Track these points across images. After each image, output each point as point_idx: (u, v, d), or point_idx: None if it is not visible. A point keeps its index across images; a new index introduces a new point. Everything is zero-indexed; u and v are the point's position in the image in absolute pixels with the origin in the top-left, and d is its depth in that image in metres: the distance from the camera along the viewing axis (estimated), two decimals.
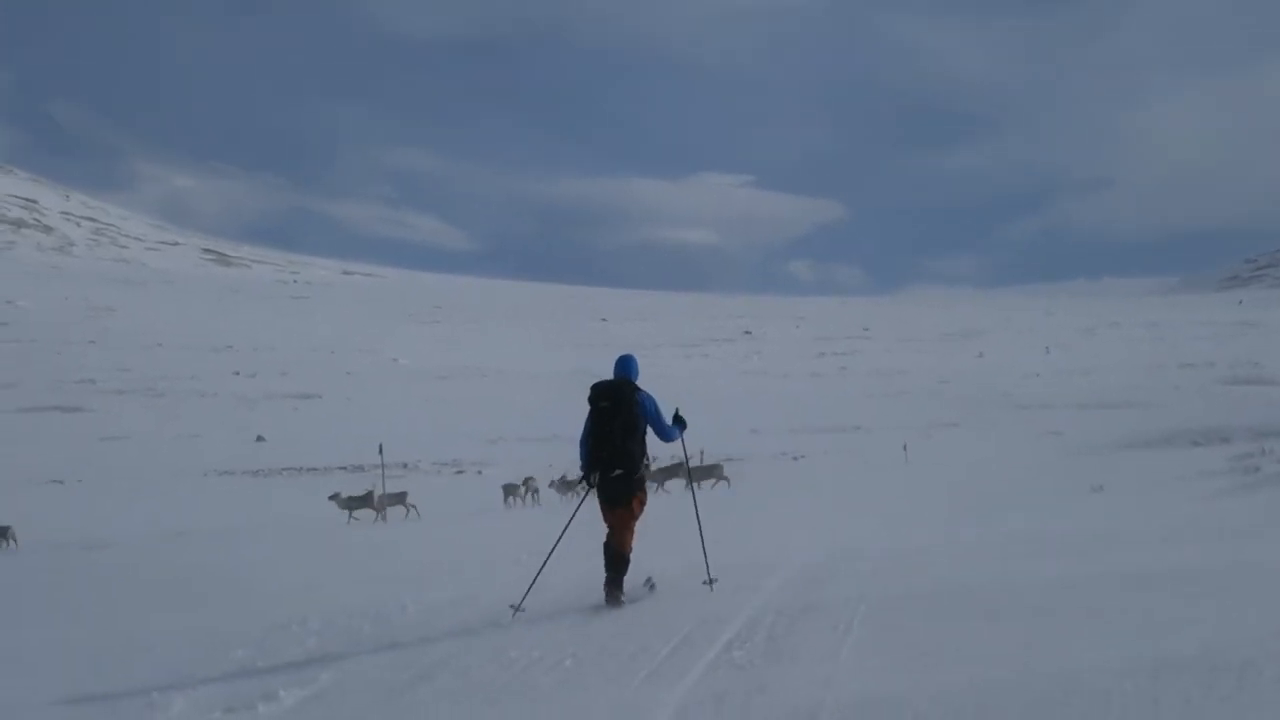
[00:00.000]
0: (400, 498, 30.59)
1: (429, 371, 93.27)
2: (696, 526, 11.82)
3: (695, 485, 14.10)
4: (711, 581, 11.05)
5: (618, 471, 11.09)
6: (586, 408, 11.27)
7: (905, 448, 43.20)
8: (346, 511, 29.55)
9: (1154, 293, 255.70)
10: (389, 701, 7.77)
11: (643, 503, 11.34)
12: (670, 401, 11.74)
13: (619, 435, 11.04)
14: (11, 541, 26.94)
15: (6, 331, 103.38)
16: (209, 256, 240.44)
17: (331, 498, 30.20)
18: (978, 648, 7.57)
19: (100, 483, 43.87)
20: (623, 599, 10.75)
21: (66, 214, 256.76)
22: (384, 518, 29.79)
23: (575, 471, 29.25)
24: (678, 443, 11.98)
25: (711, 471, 32.72)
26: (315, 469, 47.61)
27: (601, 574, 10.90)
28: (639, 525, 11.27)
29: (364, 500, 30.00)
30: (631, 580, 10.97)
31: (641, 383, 11.42)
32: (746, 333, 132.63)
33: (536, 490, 32.07)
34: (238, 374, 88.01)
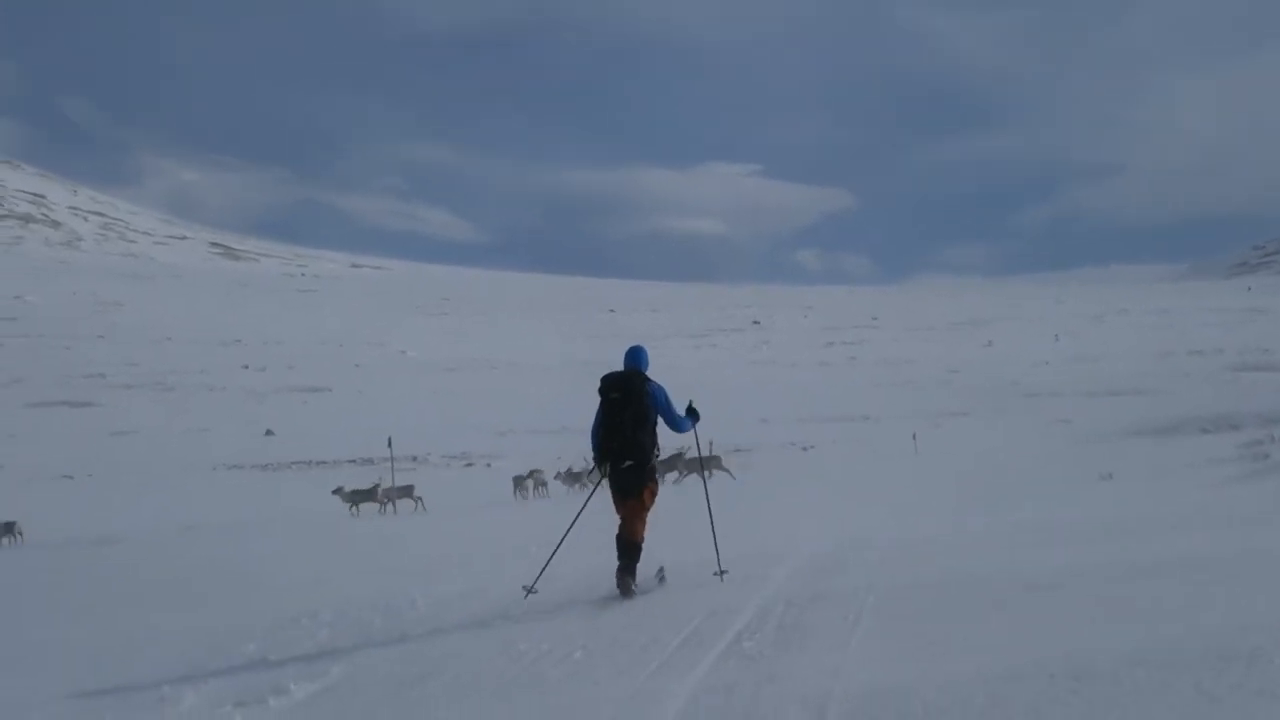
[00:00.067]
0: (407, 490, 30.58)
1: (438, 364, 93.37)
2: (708, 518, 11.83)
3: (704, 475, 14.08)
4: (722, 573, 11.06)
5: (628, 462, 11.11)
6: (596, 399, 11.28)
7: (915, 437, 43.17)
8: (351, 505, 29.55)
9: (1163, 280, 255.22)
10: (399, 695, 7.78)
11: (654, 494, 11.35)
12: (680, 392, 11.74)
13: (629, 426, 11.05)
14: (18, 536, 26.98)
15: (15, 327, 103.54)
16: (217, 250, 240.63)
17: (335, 491, 30.22)
18: (986, 637, 7.56)
19: (110, 478, 44.00)
20: (634, 587, 10.77)
21: (74, 209, 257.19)
22: (394, 509, 29.80)
23: (581, 464, 29.32)
24: (678, 434, 11.98)
25: (710, 463, 32.00)
26: (324, 462, 47.69)
27: (611, 566, 10.91)
28: (650, 516, 11.29)
29: (368, 494, 30.01)
30: (643, 571, 10.98)
31: (651, 373, 11.42)
32: (755, 323, 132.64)
33: (544, 483, 31.98)
34: (246, 368, 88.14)
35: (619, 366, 11.50)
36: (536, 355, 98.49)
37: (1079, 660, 6.53)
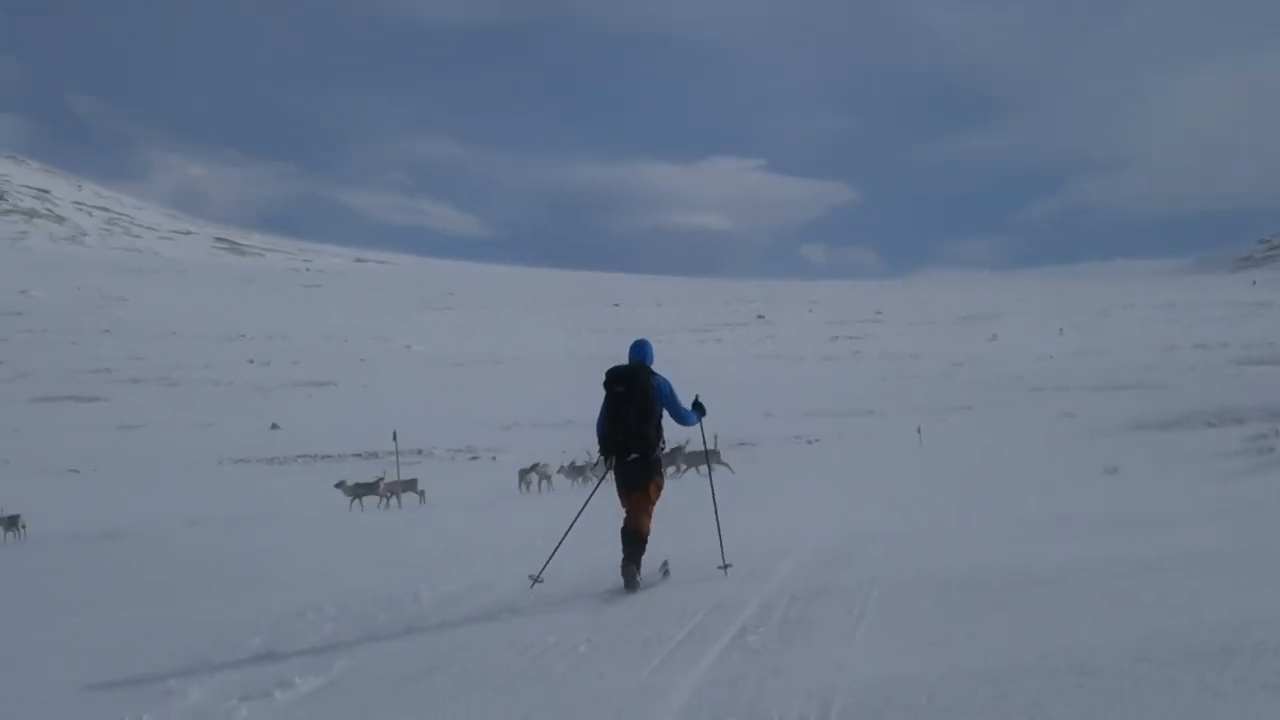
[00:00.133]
0: (411, 484, 30.59)
1: (443, 358, 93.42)
2: (713, 512, 11.84)
3: (709, 470, 14.08)
4: (726, 567, 11.07)
5: (633, 455, 11.14)
6: (601, 393, 11.30)
7: (919, 431, 43.15)
8: (351, 499, 29.54)
9: (1168, 274, 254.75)
10: (404, 689, 7.80)
11: (659, 487, 11.37)
12: (684, 386, 11.75)
13: (634, 419, 11.07)
14: (21, 530, 26.97)
15: (20, 322, 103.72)
16: (222, 245, 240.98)
17: (338, 485, 30.22)
18: (990, 631, 7.56)
19: (115, 472, 44.06)
20: (639, 578, 10.79)
21: (79, 204, 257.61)
22: (399, 503, 29.82)
23: (585, 457, 29.30)
24: (681, 428, 11.98)
25: (709, 457, 31.51)
26: (330, 456, 47.74)
27: (616, 560, 10.92)
28: (655, 509, 11.31)
29: (370, 487, 30.02)
30: (647, 565, 10.99)
31: (656, 367, 11.44)
32: (759, 317, 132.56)
33: (549, 477, 31.93)
34: (252, 362, 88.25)
35: (624, 360, 11.52)
36: (541, 349, 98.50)
37: (1082, 654, 6.54)
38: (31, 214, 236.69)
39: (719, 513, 11.83)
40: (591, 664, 7.89)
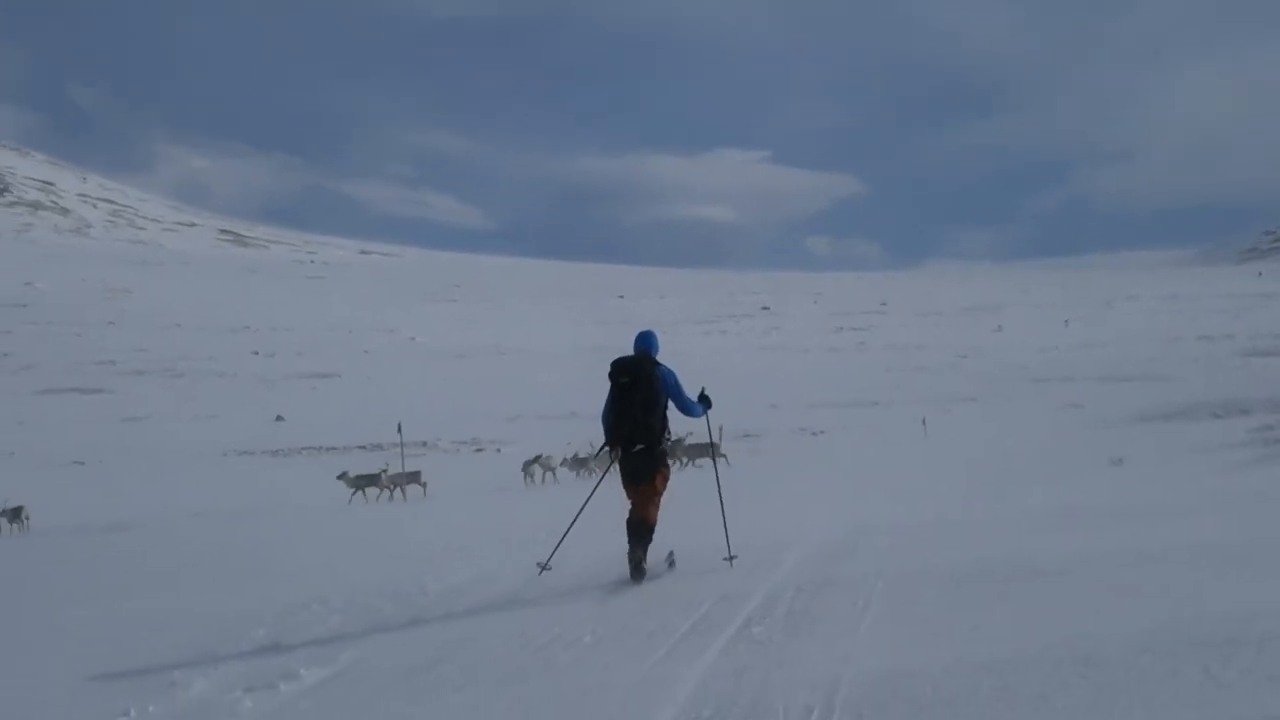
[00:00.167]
0: (414, 476, 30.56)
1: (447, 350, 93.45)
2: (718, 503, 11.84)
3: (715, 461, 14.09)
4: (732, 558, 11.08)
5: (639, 446, 11.14)
6: (605, 385, 11.30)
7: (924, 422, 43.09)
8: (353, 490, 29.50)
9: (1172, 265, 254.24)
10: (409, 680, 7.81)
11: (666, 479, 11.38)
12: (689, 378, 11.74)
13: (640, 410, 11.07)
14: (25, 522, 26.97)
15: (25, 313, 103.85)
16: (226, 237, 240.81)
17: (340, 476, 30.18)
18: (995, 623, 7.57)
19: (120, 464, 44.09)
20: (645, 567, 10.80)
21: (83, 196, 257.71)
22: (404, 495, 29.79)
23: (587, 449, 29.28)
24: (691, 419, 11.98)
25: (706, 450, 31.07)
26: (334, 448, 47.71)
27: (621, 551, 10.92)
28: (661, 500, 11.32)
29: (372, 479, 29.99)
30: (653, 557, 11.00)
31: (661, 358, 11.44)
32: (764, 309, 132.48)
33: (553, 469, 31.87)
34: (256, 354, 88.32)
35: (629, 352, 11.52)
36: (546, 341, 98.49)
37: (1087, 646, 6.54)
38: (36, 206, 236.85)
39: (724, 504, 11.83)
40: (596, 656, 7.90)
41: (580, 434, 30.73)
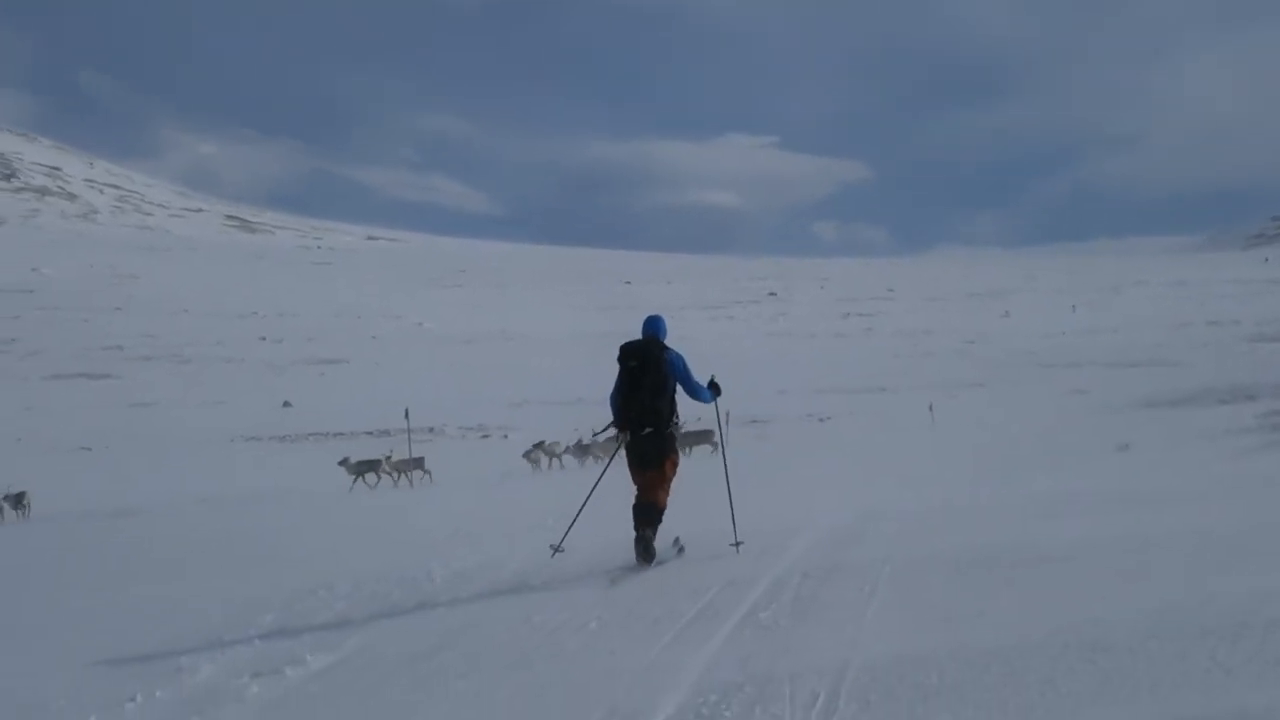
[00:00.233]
0: (419, 462, 30.53)
1: (454, 336, 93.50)
2: (725, 489, 11.83)
3: (722, 447, 14.07)
4: (739, 544, 11.07)
5: (647, 430, 11.14)
6: (612, 371, 11.30)
7: (931, 408, 43.08)
8: (354, 476, 29.44)
9: (1179, 251, 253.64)
10: (416, 666, 7.81)
11: (675, 464, 11.38)
12: (697, 364, 11.72)
13: (648, 394, 11.07)
14: (26, 509, 26.93)
15: (32, 299, 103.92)
16: (232, 223, 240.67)
17: (341, 462, 30.14)
18: (1001, 608, 7.57)
19: (127, 449, 44.15)
20: (654, 549, 10.81)
21: (90, 181, 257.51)
22: (410, 482, 29.79)
23: (590, 436, 29.34)
24: (700, 404, 11.96)
25: (702, 438, 30.70)
26: (342, 434, 47.78)
27: (628, 537, 10.91)
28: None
29: (373, 464, 29.94)
30: (660, 542, 10.99)
31: (669, 343, 11.42)
32: (772, 294, 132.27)
33: (558, 455, 31.83)
34: (264, 340, 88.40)
35: (637, 337, 11.51)
36: (552, 327, 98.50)
37: (1093, 631, 6.54)
38: (43, 191, 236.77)
39: (732, 490, 11.82)
40: (603, 641, 7.91)
41: (586, 420, 30.65)
